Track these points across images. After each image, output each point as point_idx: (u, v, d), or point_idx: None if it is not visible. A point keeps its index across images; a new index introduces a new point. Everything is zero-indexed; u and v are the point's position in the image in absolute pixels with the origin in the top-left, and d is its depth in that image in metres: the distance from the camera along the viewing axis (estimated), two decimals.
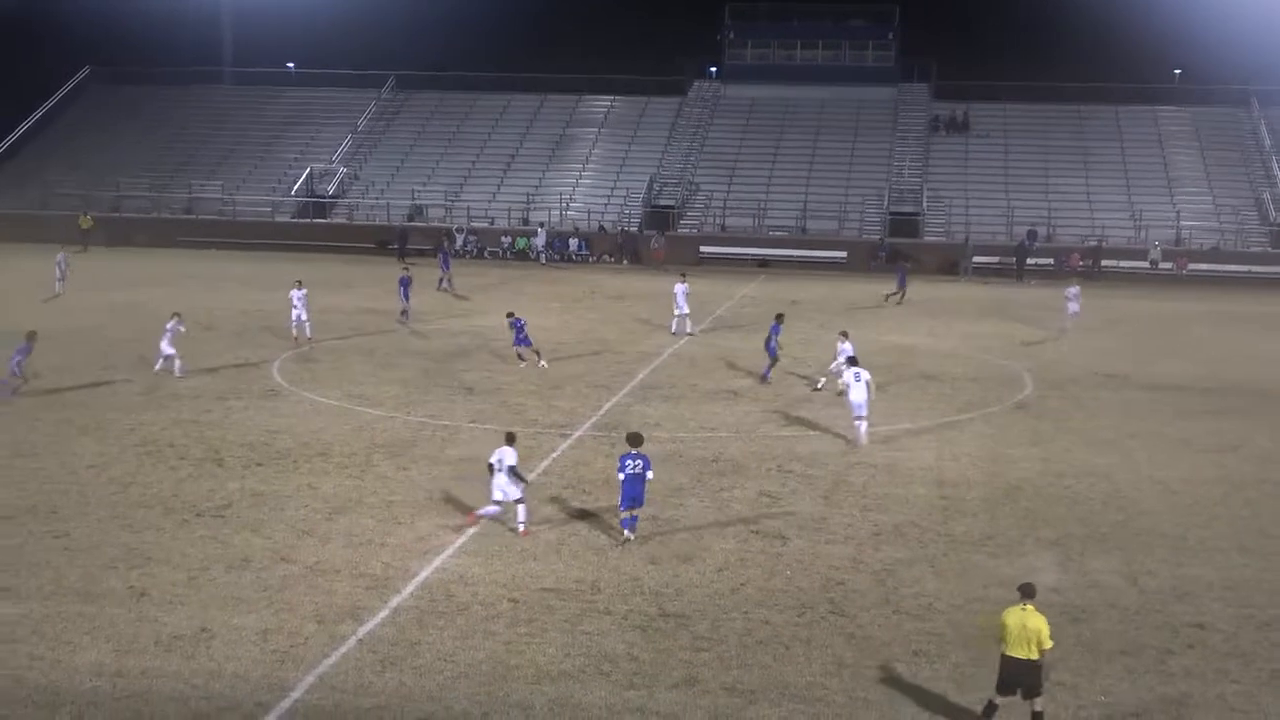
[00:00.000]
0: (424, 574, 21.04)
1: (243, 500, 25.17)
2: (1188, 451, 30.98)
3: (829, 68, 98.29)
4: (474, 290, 60.96)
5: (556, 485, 26.26)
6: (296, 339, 43.61)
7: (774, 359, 39.00)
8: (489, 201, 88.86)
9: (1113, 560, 22.44)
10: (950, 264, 77.98)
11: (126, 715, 15.93)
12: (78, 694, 16.44)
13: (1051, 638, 15.67)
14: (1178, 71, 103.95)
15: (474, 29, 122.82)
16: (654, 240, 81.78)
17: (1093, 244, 79.96)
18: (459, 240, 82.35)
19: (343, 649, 17.93)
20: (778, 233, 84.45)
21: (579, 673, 17.33)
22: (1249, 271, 77.63)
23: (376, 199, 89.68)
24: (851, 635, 18.84)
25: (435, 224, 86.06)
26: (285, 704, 16.27)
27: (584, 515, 24.24)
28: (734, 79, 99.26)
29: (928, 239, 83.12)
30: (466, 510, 24.22)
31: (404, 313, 49.84)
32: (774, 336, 39.03)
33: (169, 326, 37.76)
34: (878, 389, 31.79)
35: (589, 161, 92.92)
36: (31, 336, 35.36)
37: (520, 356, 40.15)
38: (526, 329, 40.11)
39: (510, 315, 40.92)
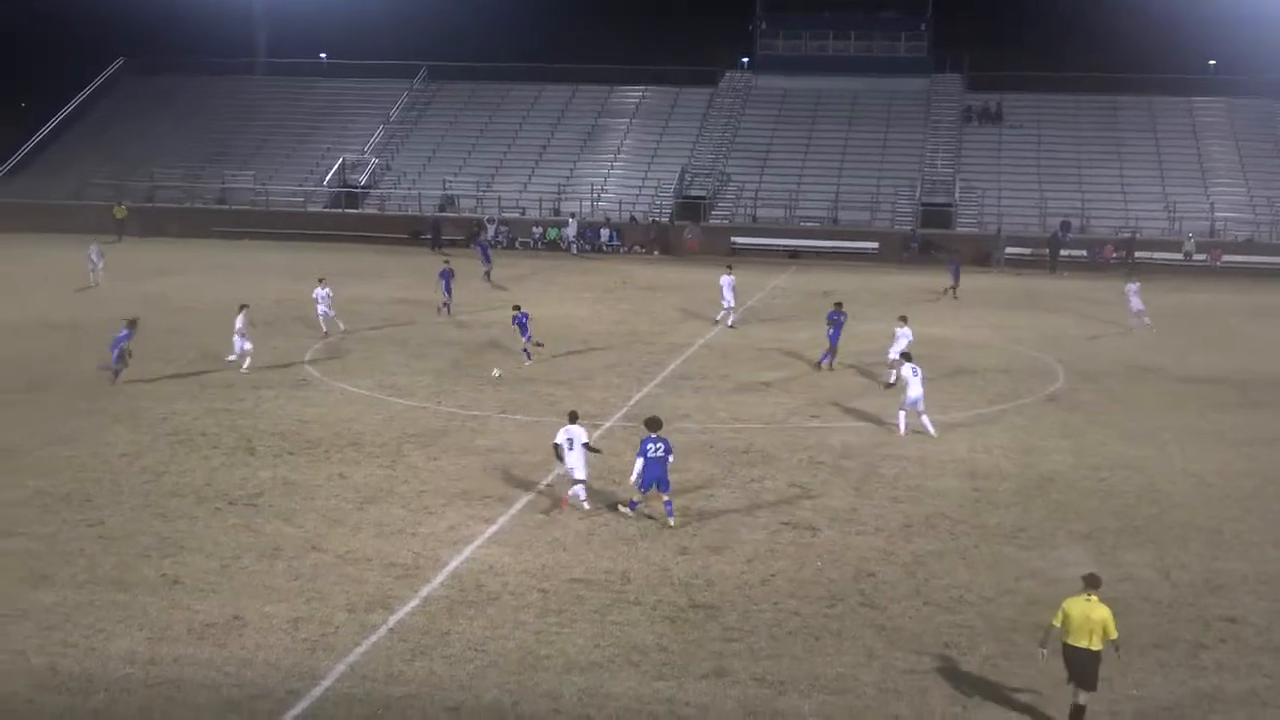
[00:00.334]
0: (454, 564, 21.10)
1: (274, 489, 25.29)
2: (1222, 444, 30.76)
3: (861, 58, 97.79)
4: (507, 281, 60.97)
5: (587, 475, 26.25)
6: (327, 333, 43.56)
7: (835, 344, 39.40)
8: (520, 192, 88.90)
9: (1145, 553, 22.32)
10: (983, 255, 77.57)
11: (159, 702, 16.03)
12: (111, 681, 16.55)
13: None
14: (1212, 62, 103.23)
15: (506, 20, 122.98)
16: (687, 231, 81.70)
17: (1126, 236, 79.43)
18: (490, 230, 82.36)
19: (373, 638, 17.99)
20: (809, 224, 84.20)
21: (608, 663, 17.35)
22: None
23: (408, 189, 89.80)
24: (882, 627, 18.80)
25: (467, 215, 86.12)
26: (316, 692, 16.34)
27: (614, 506, 24.23)
28: (766, 70, 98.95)
29: (960, 230, 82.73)
30: (498, 499, 24.32)
31: (445, 305, 49.58)
32: (833, 325, 39.23)
33: (240, 321, 37.20)
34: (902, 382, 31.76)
35: (620, 152, 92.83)
36: (132, 323, 35.44)
37: (527, 353, 39.58)
38: (529, 324, 39.42)
39: (516, 309, 40.28)
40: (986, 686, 16.87)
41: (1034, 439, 30.87)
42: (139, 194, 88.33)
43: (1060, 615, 15.72)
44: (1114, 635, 15.55)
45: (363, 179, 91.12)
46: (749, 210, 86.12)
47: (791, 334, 46.75)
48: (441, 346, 42.35)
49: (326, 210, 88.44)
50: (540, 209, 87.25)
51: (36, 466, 26.53)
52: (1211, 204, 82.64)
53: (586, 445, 23.82)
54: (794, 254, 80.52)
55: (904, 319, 37.63)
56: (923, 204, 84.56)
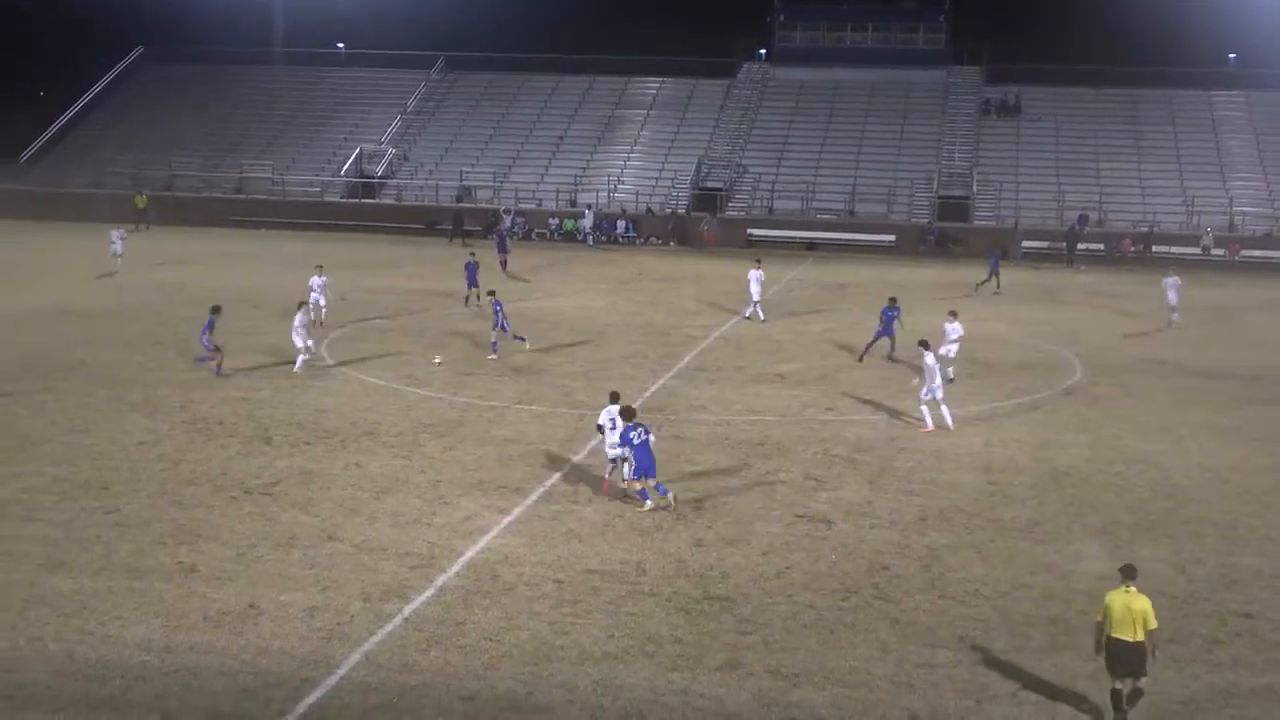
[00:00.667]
0: (469, 554, 21.15)
1: (291, 478, 25.37)
2: (1239, 439, 30.66)
3: (879, 50, 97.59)
4: (523, 271, 61.00)
5: (602, 467, 26.26)
6: (321, 323, 43.35)
7: (879, 339, 39.55)
8: (537, 183, 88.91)
9: (1161, 548, 22.28)
10: (1001, 249, 77.24)
11: (175, 689, 16.11)
12: (127, 668, 16.64)
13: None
14: (1232, 55, 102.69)
15: (524, 10, 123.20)
16: (704, 223, 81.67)
17: (1144, 230, 79.21)
18: (506, 221, 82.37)
19: (388, 627, 18.05)
20: (826, 216, 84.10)
21: (623, 654, 17.38)
22: None
23: (425, 180, 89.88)
24: (896, 620, 18.80)
25: (484, 205, 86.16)
26: (331, 680, 16.41)
27: (630, 497, 24.24)
28: (783, 61, 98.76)
29: (977, 223, 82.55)
30: (513, 489, 24.40)
31: (470, 297, 49.19)
32: (886, 320, 39.26)
33: (299, 318, 36.23)
34: (922, 373, 31.68)
35: (637, 143, 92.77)
36: (216, 310, 35.44)
37: (518, 337, 39.30)
38: (503, 311, 38.78)
39: (491, 294, 39.99)
40: (1000, 680, 16.86)
41: (1050, 433, 30.81)
42: (156, 183, 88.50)
43: (1102, 609, 15.72)
44: (1153, 625, 15.53)
45: (380, 169, 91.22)
46: (766, 202, 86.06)
47: (807, 326, 46.73)
48: (458, 337, 42.36)
49: (343, 200, 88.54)
50: (557, 200, 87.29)
51: (55, 454, 26.65)
52: (1230, 198, 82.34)
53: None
54: (810, 246, 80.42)
55: (954, 314, 37.35)
56: (940, 197, 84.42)
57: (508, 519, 23.03)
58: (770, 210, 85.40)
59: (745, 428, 30.60)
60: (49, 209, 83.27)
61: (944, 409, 30.60)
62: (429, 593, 19.38)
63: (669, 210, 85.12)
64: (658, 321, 47.33)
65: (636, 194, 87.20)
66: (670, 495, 23.70)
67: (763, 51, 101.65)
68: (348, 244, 73.88)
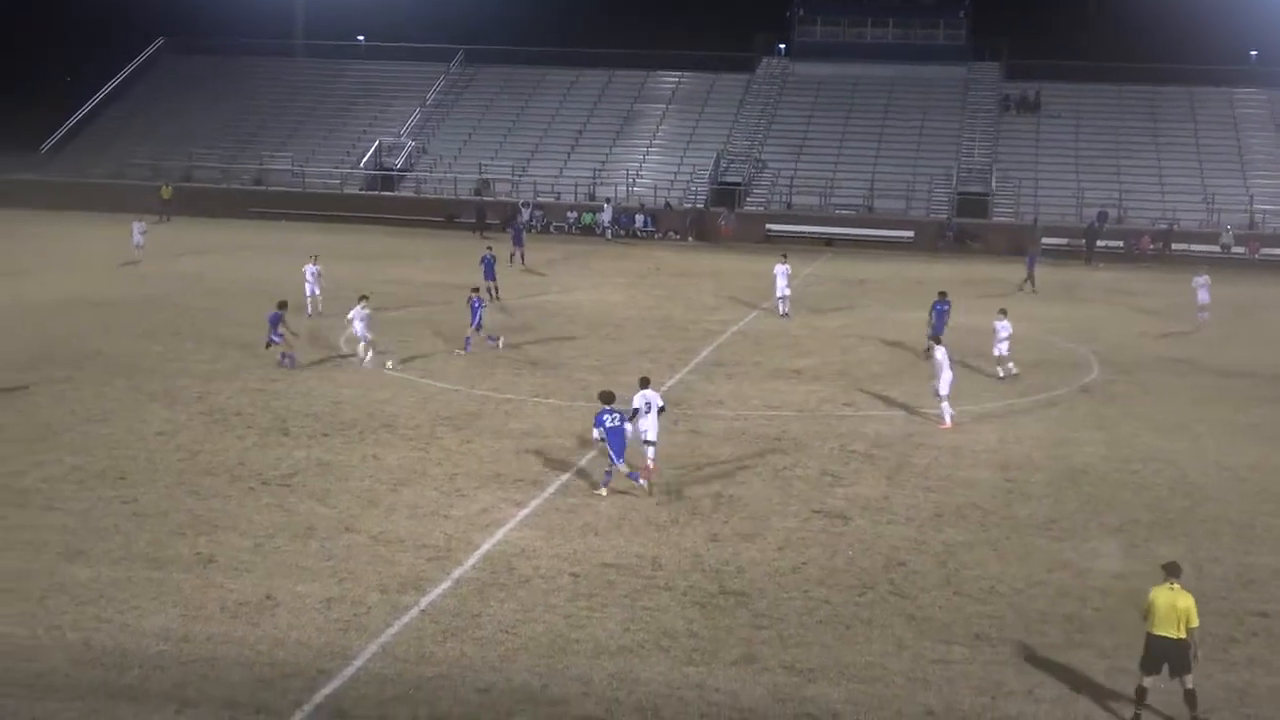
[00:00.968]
0: (486, 546, 21.21)
1: (308, 469, 25.45)
2: (1256, 438, 30.55)
3: (899, 46, 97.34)
4: (541, 265, 61.03)
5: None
6: (311, 313, 43.36)
7: (937, 333, 39.20)
8: (555, 177, 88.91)
9: (1178, 547, 22.18)
10: (1018, 246, 77.09)
11: (192, 679, 16.18)
12: (145, 657, 16.72)
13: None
14: (1254, 53, 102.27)
15: (543, 3, 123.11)
16: (722, 218, 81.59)
17: (1163, 227, 78.89)
18: (525, 215, 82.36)
19: (405, 619, 18.12)
20: (844, 211, 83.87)
21: (638, 648, 17.41)
22: None
23: (444, 173, 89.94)
24: (912, 616, 18.80)
25: (503, 198, 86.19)
26: (348, 671, 16.47)
27: (635, 488, 24.25)
28: (803, 56, 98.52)
29: (996, 219, 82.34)
30: (530, 482, 24.45)
31: (493, 290, 48.85)
32: (937, 314, 39.11)
33: (358, 312, 36.02)
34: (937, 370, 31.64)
35: (656, 138, 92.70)
36: (282, 305, 35.62)
37: (490, 338, 38.97)
38: (482, 312, 38.52)
39: (475, 291, 39.69)
40: (1016, 677, 16.85)
41: (1067, 430, 30.76)
42: (176, 174, 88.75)
43: (1146, 605, 15.72)
44: (1195, 623, 15.51)
45: (399, 162, 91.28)
46: (784, 197, 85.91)
47: (825, 322, 46.68)
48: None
49: (363, 192, 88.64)
50: (575, 194, 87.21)
51: (73, 443, 26.78)
52: (1251, 196, 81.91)
53: (662, 409, 25.22)
54: (829, 242, 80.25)
55: (1003, 311, 37.20)
56: (959, 193, 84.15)
57: (524, 512, 23.08)
58: (789, 205, 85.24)
59: (762, 423, 30.60)
60: (70, 199, 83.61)
61: (945, 405, 30.59)
62: (445, 585, 19.44)
63: (687, 205, 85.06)
64: (675, 316, 47.31)
65: (655, 188, 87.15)
66: (642, 481, 24.29)
67: (782, 46, 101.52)
68: (367, 236, 73.98)
